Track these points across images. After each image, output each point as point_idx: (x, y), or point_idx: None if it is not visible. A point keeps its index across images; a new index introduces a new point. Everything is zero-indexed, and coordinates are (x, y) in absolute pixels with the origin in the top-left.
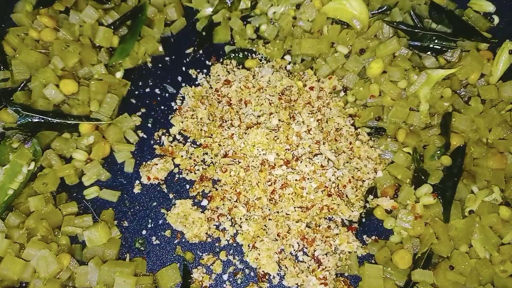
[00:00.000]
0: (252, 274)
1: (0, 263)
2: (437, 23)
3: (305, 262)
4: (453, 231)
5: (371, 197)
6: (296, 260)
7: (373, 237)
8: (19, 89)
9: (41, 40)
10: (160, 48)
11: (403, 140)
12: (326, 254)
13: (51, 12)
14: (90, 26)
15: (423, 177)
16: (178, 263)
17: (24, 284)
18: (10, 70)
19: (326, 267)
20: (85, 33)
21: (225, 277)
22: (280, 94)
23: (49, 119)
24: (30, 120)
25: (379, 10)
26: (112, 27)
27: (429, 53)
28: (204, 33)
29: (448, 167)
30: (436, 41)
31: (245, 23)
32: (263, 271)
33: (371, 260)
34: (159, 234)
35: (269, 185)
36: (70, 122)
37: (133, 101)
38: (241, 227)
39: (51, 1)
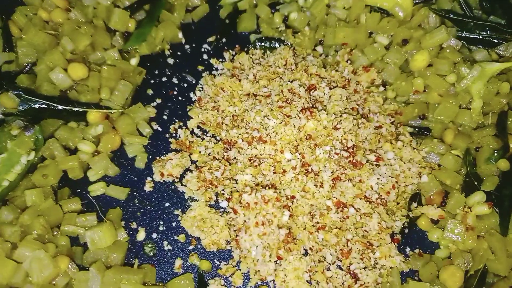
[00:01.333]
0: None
1: None
2: (489, 14)
3: (340, 277)
4: None
5: (414, 205)
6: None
7: (417, 251)
8: (23, 72)
9: (51, 21)
10: (180, 35)
11: (451, 142)
12: (364, 269)
13: None
14: (105, 8)
15: (476, 183)
16: (193, 273)
17: None
18: (15, 52)
19: (364, 283)
20: (99, 15)
21: None
22: (310, 86)
23: (54, 105)
24: (32, 105)
25: None
26: (129, 10)
27: (479, 46)
28: (227, 21)
29: (505, 173)
30: (488, 32)
31: (273, 11)
32: None
33: (414, 276)
34: (172, 238)
35: (300, 189)
36: (77, 109)
37: (149, 90)
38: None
39: None
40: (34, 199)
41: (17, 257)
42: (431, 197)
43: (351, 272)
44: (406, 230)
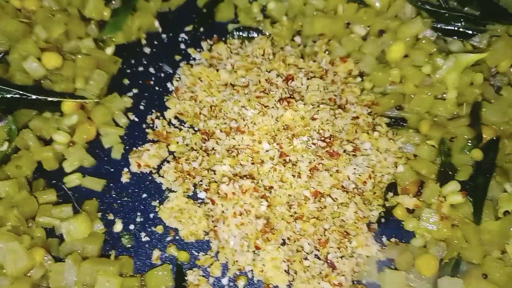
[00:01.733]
0: (255, 280)
1: None
2: (464, 5)
3: (317, 266)
4: (485, 234)
5: (390, 194)
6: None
7: (393, 240)
8: None
9: (24, 9)
10: (157, 24)
11: (426, 132)
12: (341, 258)
13: None
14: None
15: (450, 173)
16: (171, 264)
17: None
18: None
19: (341, 271)
20: (73, 3)
21: (224, 281)
22: (288, 76)
23: (28, 95)
24: (5, 95)
25: None
26: None
27: (455, 37)
28: (205, 10)
29: (478, 163)
30: (463, 23)
31: (251, 0)
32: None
33: (391, 265)
34: (149, 230)
35: (278, 179)
36: (51, 99)
37: (125, 80)
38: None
39: None
40: (8, 190)
41: None
42: (407, 186)
43: (329, 261)
44: (383, 220)
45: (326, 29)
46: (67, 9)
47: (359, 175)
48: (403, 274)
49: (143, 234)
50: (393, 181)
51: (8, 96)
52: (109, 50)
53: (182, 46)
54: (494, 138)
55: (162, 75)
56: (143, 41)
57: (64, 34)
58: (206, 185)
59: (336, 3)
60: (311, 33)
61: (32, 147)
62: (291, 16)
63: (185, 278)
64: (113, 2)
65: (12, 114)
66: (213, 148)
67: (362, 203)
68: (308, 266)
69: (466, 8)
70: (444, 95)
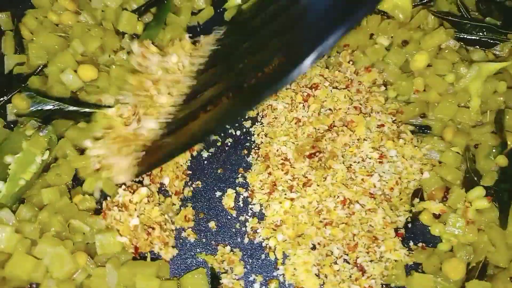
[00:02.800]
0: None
1: (9, 260)
2: (485, 15)
3: (347, 270)
4: (511, 239)
5: (417, 200)
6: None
7: (420, 244)
8: (35, 73)
9: (61, 23)
10: (187, 37)
11: (451, 139)
12: (370, 262)
13: None
14: (114, 11)
15: (475, 179)
16: (206, 268)
17: (34, 285)
18: (26, 54)
19: (371, 275)
20: (107, 17)
21: (256, 286)
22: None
23: (65, 105)
24: (44, 106)
25: (421, 1)
26: (137, 13)
27: (477, 46)
28: None
29: (503, 168)
30: (485, 33)
31: None
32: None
33: (418, 269)
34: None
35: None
36: (87, 110)
37: None
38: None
39: None
40: (51, 197)
41: (37, 253)
42: (433, 192)
43: (358, 265)
44: (409, 225)
45: (351, 40)
46: (102, 24)
47: (386, 182)
48: (431, 278)
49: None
50: (419, 187)
51: (47, 107)
52: None
53: None
54: None
55: None
56: None
57: (99, 48)
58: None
59: None
60: (336, 44)
61: (70, 155)
62: None
63: (220, 281)
64: (145, 16)
65: (51, 124)
66: None
67: (390, 209)
68: (338, 270)
69: (487, 18)
70: (468, 103)
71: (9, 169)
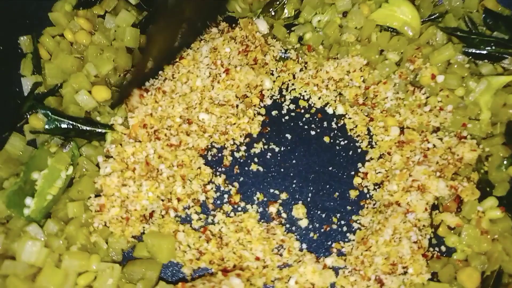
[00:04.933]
0: None
1: (40, 274)
2: (493, 30)
3: (364, 282)
4: None
5: (435, 212)
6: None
7: (435, 253)
8: (51, 93)
9: (76, 42)
10: None
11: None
12: (389, 274)
13: (89, 14)
14: (124, 30)
15: (488, 189)
16: None
17: None
18: (42, 75)
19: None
20: (119, 37)
21: None
22: None
23: (78, 125)
24: (58, 125)
25: (429, 18)
26: (138, 27)
27: (485, 60)
28: None
29: None
30: (493, 47)
31: (288, 31)
32: None
33: (434, 278)
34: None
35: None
36: (99, 130)
37: None
38: None
39: (91, 3)
40: (76, 211)
41: (65, 267)
42: (448, 204)
43: (377, 277)
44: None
45: (361, 56)
46: (112, 43)
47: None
48: (446, 287)
49: None
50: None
51: (62, 126)
52: None
53: None
54: None
55: None
56: None
57: (112, 69)
58: None
59: (369, 32)
60: None
61: (89, 171)
62: (326, 44)
63: None
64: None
65: (73, 140)
66: None
67: (418, 230)
68: (355, 280)
69: (495, 33)
70: (478, 116)
71: (36, 185)
